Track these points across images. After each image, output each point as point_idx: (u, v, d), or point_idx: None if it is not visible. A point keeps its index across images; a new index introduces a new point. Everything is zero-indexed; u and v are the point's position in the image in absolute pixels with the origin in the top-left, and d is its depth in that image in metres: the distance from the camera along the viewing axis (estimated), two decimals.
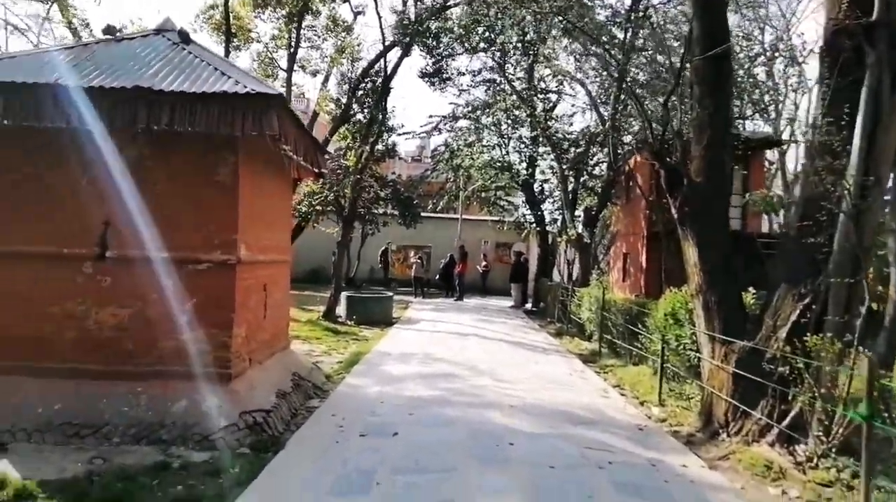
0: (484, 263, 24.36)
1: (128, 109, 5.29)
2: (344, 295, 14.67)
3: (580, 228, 15.03)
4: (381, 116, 14.84)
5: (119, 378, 5.51)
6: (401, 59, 15.23)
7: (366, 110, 15.50)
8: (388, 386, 7.55)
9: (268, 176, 6.97)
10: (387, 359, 9.59)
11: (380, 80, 15.40)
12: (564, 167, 15.50)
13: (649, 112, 10.18)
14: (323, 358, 9.74)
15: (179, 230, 5.76)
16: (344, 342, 11.42)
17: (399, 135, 22.60)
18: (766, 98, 17.77)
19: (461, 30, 16.04)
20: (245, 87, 5.48)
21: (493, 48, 17.27)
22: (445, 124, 21.27)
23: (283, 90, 27.26)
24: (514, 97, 18.26)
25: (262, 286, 6.89)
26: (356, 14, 16.77)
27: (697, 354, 6.89)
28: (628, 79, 12.17)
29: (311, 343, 11.12)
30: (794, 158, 28.66)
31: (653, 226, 18.44)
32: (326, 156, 8.28)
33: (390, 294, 15.66)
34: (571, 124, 20.57)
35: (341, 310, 14.53)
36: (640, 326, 8.81)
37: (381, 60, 15.13)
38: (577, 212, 17.62)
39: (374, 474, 4.59)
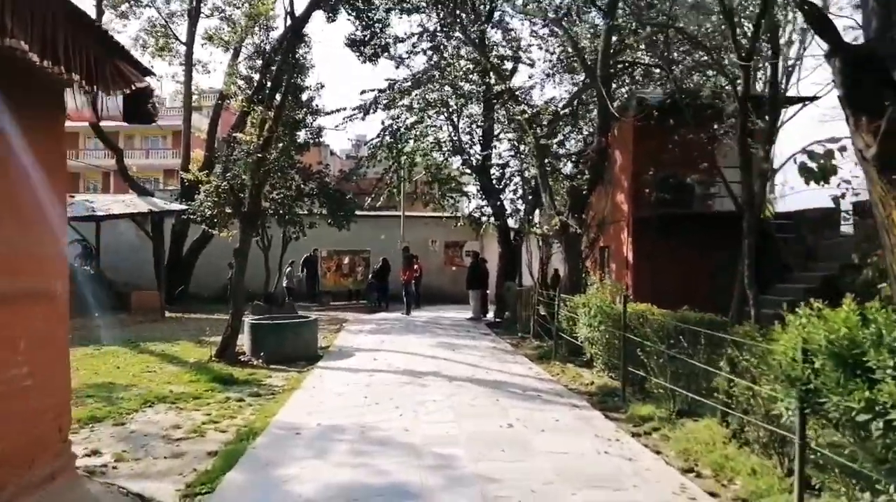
0: (415, 266, 20.07)
1: None
2: (248, 321, 10.52)
3: (562, 216, 11.40)
4: (291, 71, 10.73)
5: None
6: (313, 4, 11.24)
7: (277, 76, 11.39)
8: None
9: None
10: (292, 446, 5.60)
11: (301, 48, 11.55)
12: (539, 133, 11.83)
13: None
14: (188, 445, 5.72)
15: None
16: (235, 403, 7.35)
17: (326, 114, 18.65)
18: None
19: None
20: None
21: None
22: (382, 101, 17.49)
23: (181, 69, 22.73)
24: (465, 61, 14.72)
25: None
26: None
27: None
28: None
29: (180, 409, 7.03)
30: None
31: (638, 211, 15.26)
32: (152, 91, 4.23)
33: (314, 316, 11.55)
34: (531, 97, 17.02)
35: (245, 341, 10.41)
36: (722, 365, 5.20)
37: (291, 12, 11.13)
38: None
39: None
